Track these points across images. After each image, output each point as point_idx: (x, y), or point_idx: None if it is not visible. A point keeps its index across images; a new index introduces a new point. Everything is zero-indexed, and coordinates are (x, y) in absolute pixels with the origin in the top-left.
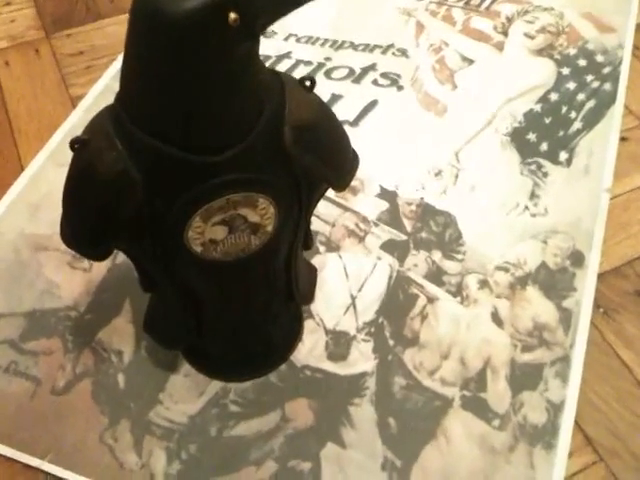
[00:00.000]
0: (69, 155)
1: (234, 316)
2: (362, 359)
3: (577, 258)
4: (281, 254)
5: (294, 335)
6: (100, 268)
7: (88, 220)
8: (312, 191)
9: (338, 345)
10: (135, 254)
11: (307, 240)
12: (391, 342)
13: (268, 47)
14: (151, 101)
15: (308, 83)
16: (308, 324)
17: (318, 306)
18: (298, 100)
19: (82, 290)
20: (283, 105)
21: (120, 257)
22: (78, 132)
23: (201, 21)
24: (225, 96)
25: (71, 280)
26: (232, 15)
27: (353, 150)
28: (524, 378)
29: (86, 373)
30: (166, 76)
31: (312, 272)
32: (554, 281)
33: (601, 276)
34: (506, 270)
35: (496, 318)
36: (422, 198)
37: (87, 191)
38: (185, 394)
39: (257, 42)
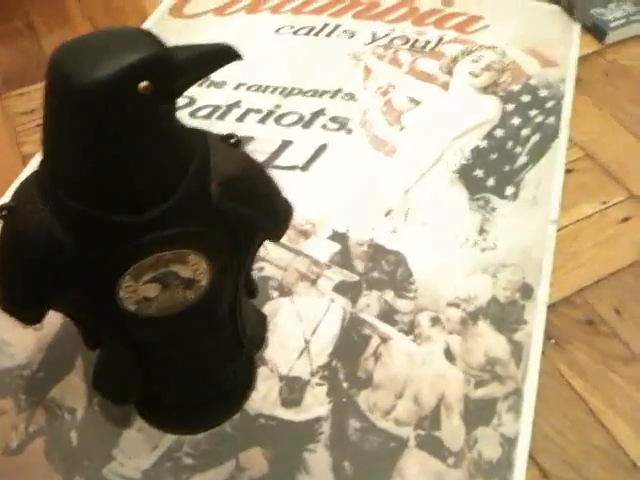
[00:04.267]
0: None
1: (183, 366)
2: (316, 404)
3: (526, 290)
4: (223, 305)
5: (247, 383)
6: (52, 325)
7: (20, 284)
8: (249, 242)
9: (292, 391)
10: (74, 314)
11: (251, 289)
12: (345, 385)
13: (218, 97)
14: (70, 166)
15: (233, 140)
16: (262, 371)
17: (271, 352)
18: (223, 156)
19: (34, 347)
20: (208, 162)
21: None
22: None
23: (110, 91)
24: (143, 159)
25: (23, 338)
26: (143, 84)
27: (286, 200)
28: (478, 414)
29: (39, 432)
30: (80, 142)
31: (261, 319)
32: (504, 314)
33: (552, 306)
34: (457, 306)
35: (449, 354)
36: (372, 239)
37: (15, 255)
38: (138, 449)
39: (174, 104)
